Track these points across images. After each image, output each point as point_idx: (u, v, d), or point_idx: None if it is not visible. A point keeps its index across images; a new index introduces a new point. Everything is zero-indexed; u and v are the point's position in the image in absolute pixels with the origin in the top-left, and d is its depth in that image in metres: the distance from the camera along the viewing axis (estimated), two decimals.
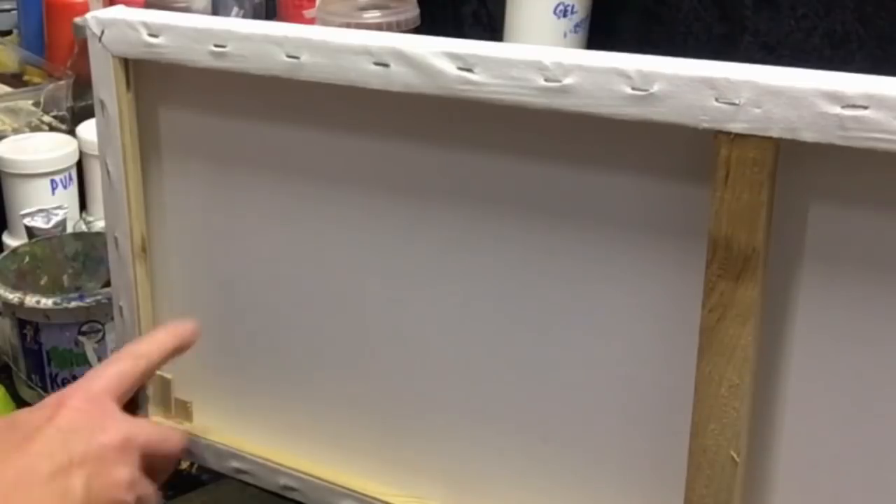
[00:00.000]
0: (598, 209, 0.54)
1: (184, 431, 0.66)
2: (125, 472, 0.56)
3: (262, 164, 0.64)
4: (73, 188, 1.04)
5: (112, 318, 0.74)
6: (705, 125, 0.47)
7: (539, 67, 0.51)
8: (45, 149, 1.03)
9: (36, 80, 1.26)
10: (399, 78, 0.55)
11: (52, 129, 1.12)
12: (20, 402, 0.83)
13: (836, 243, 0.48)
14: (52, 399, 0.57)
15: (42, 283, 0.87)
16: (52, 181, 1.01)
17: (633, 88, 0.49)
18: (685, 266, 0.52)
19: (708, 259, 0.49)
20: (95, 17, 0.64)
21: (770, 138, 0.46)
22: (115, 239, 0.69)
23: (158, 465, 0.60)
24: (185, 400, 0.71)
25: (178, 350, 0.63)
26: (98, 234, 0.90)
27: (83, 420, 0.56)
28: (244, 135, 0.64)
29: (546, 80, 0.51)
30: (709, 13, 1.13)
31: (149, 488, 0.58)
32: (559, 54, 0.51)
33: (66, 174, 1.02)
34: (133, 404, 0.66)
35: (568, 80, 0.50)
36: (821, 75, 0.46)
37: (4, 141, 1.04)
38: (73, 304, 0.79)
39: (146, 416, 0.72)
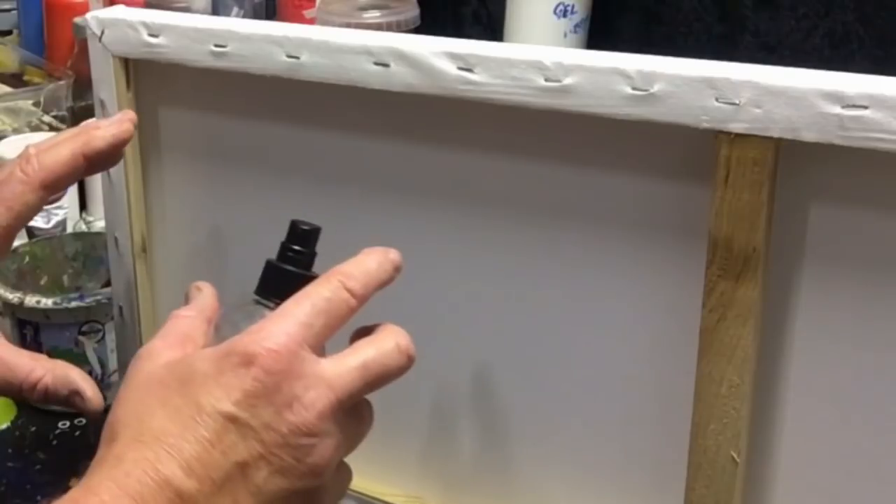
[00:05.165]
0: (598, 209, 0.54)
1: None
2: (321, 451, 0.45)
3: (262, 163, 0.64)
4: (73, 188, 1.04)
5: (112, 318, 0.74)
6: (705, 125, 0.47)
7: (539, 67, 0.51)
8: None
9: (36, 80, 1.26)
10: (399, 78, 0.55)
11: (52, 129, 1.12)
12: (20, 403, 0.83)
13: (836, 243, 0.48)
14: (232, 358, 0.44)
15: (42, 283, 0.87)
16: None
17: (634, 88, 0.49)
18: (685, 266, 0.52)
19: (708, 259, 0.49)
20: (95, 17, 0.64)
21: (770, 138, 0.46)
22: (115, 239, 0.69)
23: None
24: None
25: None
26: (98, 234, 0.90)
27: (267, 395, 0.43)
28: (244, 135, 0.64)
29: (546, 80, 0.51)
30: (709, 13, 1.14)
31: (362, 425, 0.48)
32: (559, 54, 0.51)
33: None
34: None
35: (568, 80, 0.50)
36: (821, 75, 0.46)
37: (4, 141, 1.04)
38: (73, 304, 0.79)
39: None
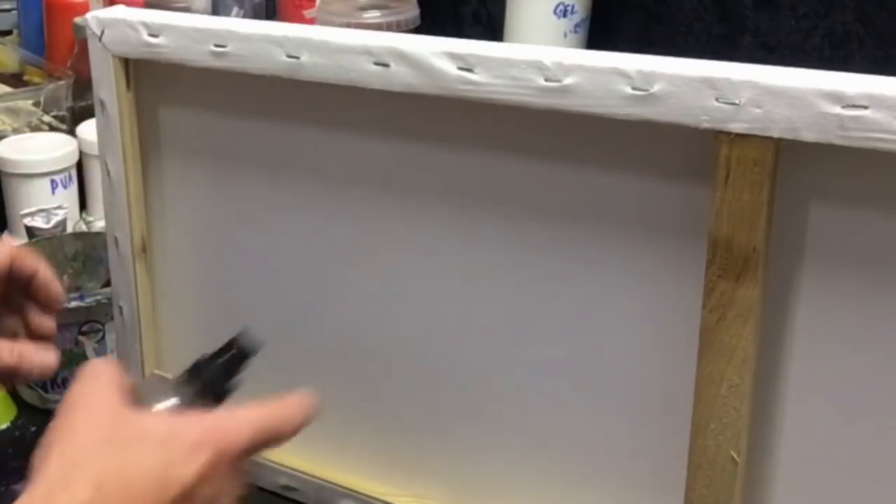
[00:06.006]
0: (598, 209, 0.54)
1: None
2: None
3: (261, 163, 0.64)
4: (73, 188, 1.04)
5: (112, 318, 0.74)
6: (706, 125, 0.47)
7: (539, 67, 0.51)
8: (45, 149, 1.03)
9: (36, 80, 1.26)
10: (399, 78, 0.55)
11: (52, 129, 1.12)
12: (20, 403, 0.83)
13: (836, 243, 0.48)
14: (202, 456, 0.48)
15: None
16: (52, 181, 1.01)
17: (634, 88, 0.49)
18: (685, 266, 0.52)
19: (708, 259, 0.49)
20: (95, 17, 0.64)
21: (770, 138, 0.46)
22: (115, 239, 0.69)
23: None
24: None
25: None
26: (98, 234, 0.90)
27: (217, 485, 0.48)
28: (244, 135, 0.64)
29: (546, 80, 0.51)
30: (709, 13, 1.13)
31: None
32: (559, 54, 0.51)
33: (66, 174, 1.02)
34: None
35: (568, 80, 0.50)
36: (821, 75, 0.46)
37: (4, 141, 1.04)
38: (73, 304, 0.79)
39: None
